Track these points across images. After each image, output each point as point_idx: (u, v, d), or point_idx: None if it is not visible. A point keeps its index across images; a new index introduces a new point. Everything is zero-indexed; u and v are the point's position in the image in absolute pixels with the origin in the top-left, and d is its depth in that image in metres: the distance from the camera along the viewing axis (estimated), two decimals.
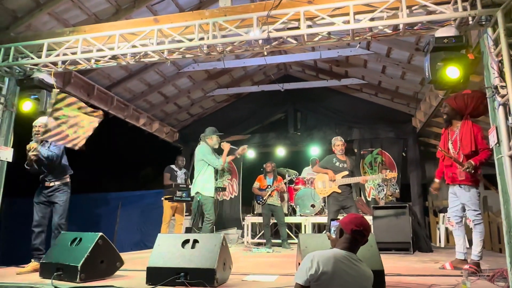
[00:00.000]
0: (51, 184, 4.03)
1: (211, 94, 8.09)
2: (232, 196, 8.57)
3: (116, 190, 9.46)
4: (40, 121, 4.10)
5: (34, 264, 3.79)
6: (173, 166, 6.61)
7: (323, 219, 6.54)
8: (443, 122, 3.93)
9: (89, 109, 4.19)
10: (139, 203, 8.72)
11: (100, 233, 3.29)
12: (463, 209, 3.66)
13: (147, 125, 7.89)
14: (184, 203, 6.49)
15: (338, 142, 5.28)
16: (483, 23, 3.37)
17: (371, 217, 5.66)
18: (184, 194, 6.18)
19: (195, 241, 3.04)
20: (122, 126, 7.59)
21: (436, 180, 3.87)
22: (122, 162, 12.51)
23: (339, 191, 5.11)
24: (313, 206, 6.73)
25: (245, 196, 8.71)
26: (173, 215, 6.36)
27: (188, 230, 6.98)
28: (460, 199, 3.64)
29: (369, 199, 7.67)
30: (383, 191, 6.86)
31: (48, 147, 4.09)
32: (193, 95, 8.02)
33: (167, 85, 7.23)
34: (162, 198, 6.32)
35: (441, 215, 6.87)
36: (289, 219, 6.78)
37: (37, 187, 4.08)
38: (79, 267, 3.06)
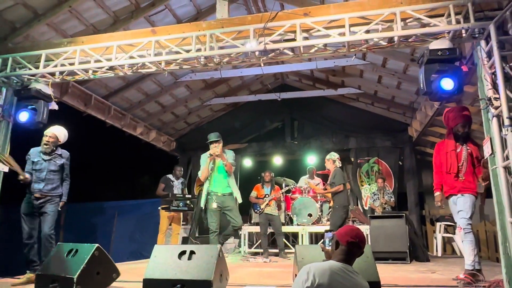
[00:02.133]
0: (44, 195, 3.98)
1: (208, 103, 8.13)
2: None
3: (112, 199, 9.44)
4: (51, 131, 4.10)
5: (29, 275, 3.76)
6: (169, 176, 6.61)
7: (320, 229, 6.54)
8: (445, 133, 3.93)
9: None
10: (135, 212, 8.71)
11: (97, 245, 3.28)
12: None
13: (144, 134, 7.90)
14: (181, 213, 6.48)
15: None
16: (476, 35, 3.44)
17: (368, 227, 5.67)
18: (181, 204, 6.17)
19: (192, 253, 3.04)
20: (119, 135, 7.60)
21: (438, 193, 3.88)
22: (119, 171, 12.49)
23: None
24: (310, 215, 6.74)
25: (242, 205, 8.69)
26: (170, 225, 6.34)
27: (184, 240, 6.97)
28: (458, 207, 3.65)
29: (366, 208, 7.68)
30: (378, 199, 6.88)
31: (60, 155, 4.08)
32: (190, 104, 8.05)
33: (164, 95, 7.26)
34: (159, 208, 6.31)
35: (437, 224, 6.89)
36: (286, 229, 6.78)
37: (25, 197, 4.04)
38: (75, 279, 3.04)
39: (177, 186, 6.55)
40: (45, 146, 4.03)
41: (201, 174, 4.60)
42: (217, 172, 4.56)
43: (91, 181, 11.86)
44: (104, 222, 8.78)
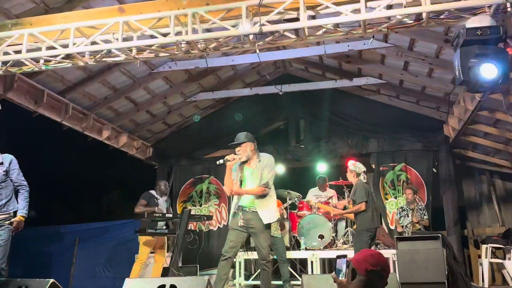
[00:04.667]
0: None
1: (193, 99, 8.16)
2: (221, 226, 8.57)
3: (72, 221, 9.45)
4: None
5: None
6: (153, 192, 6.63)
7: (334, 254, 6.53)
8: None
9: None
10: (102, 237, 8.70)
11: (51, 280, 3.30)
12: None
13: (113, 138, 7.91)
14: (165, 238, 6.48)
15: None
16: None
17: (394, 251, 5.70)
18: (164, 225, 6.19)
19: (173, 287, 3.06)
20: (80, 141, 7.61)
21: None
22: (80, 186, 12.48)
23: None
24: (321, 237, 6.77)
25: None
26: (152, 252, 6.36)
27: (165, 272, 6.96)
28: None
29: (392, 227, 7.72)
30: (407, 216, 6.91)
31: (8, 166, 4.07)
32: (170, 100, 8.08)
33: (137, 89, 7.28)
34: (136, 231, 6.32)
35: (483, 246, 6.91)
36: (291, 254, 6.81)
37: None
38: None
39: (161, 204, 6.56)
40: None
41: (224, 187, 4.60)
42: (246, 182, 4.53)
43: (44, 199, 11.83)
44: (61, 251, 8.76)
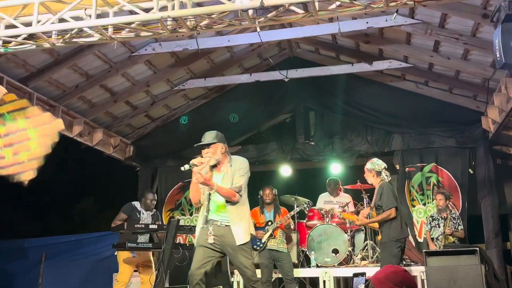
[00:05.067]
0: None
1: (181, 88, 8.15)
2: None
3: (37, 234, 9.45)
4: None
5: None
6: (135, 204, 6.61)
7: (351, 272, 6.49)
8: None
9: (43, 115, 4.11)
10: (74, 253, 8.71)
11: None
12: None
13: (85, 135, 7.91)
14: (151, 253, 6.49)
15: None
16: None
17: (423, 268, 5.70)
18: (142, 238, 6.20)
19: None
20: None
21: None
22: (47, 192, 12.46)
23: None
24: (335, 251, 6.75)
25: None
26: (136, 271, 6.38)
27: None
28: None
29: (421, 240, 7.72)
30: (438, 227, 6.90)
31: None
32: (154, 89, 8.06)
33: (114, 76, 7.27)
34: (114, 245, 6.31)
35: None
36: (300, 272, 6.78)
37: None
38: None
39: (146, 219, 6.52)
40: None
41: (191, 196, 4.58)
42: (216, 193, 4.46)
43: (3, 208, 11.89)
44: (24, 270, 8.76)
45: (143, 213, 6.55)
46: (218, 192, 4.32)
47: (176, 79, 8.05)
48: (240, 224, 4.37)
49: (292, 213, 6.86)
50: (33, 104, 6.71)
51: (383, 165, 5.63)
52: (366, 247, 7.02)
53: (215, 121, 8.59)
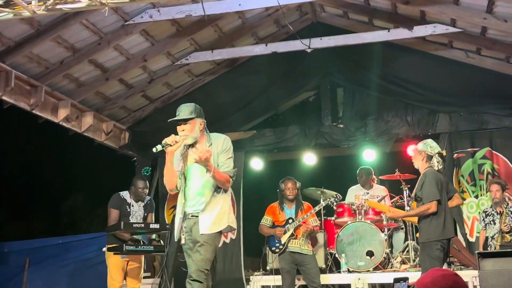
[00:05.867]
0: None
1: (184, 62, 8.14)
2: (227, 240, 8.60)
3: (20, 237, 9.57)
4: None
5: None
6: (124, 195, 6.64)
7: (389, 277, 6.50)
8: None
9: None
10: (62, 258, 8.79)
11: None
12: None
13: (73, 119, 7.93)
14: (143, 257, 6.55)
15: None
16: None
17: (476, 272, 5.68)
18: (142, 240, 6.24)
19: None
20: (28, 124, 7.65)
21: None
22: (30, 188, 12.60)
23: None
24: (370, 254, 6.78)
25: (250, 240, 8.71)
26: (125, 278, 6.44)
27: None
28: None
29: (472, 240, 7.67)
30: (494, 224, 6.85)
31: None
32: (153, 64, 8.05)
33: (105, 49, 7.25)
34: (104, 249, 6.35)
35: None
36: (327, 279, 6.81)
37: None
38: None
39: (137, 211, 6.57)
40: None
41: (165, 182, 4.57)
42: (192, 175, 4.49)
43: None
44: (5, 277, 8.86)
45: (133, 205, 6.55)
46: (215, 175, 4.29)
47: (178, 52, 8.04)
48: (211, 213, 4.34)
49: (317, 208, 6.88)
50: (11, 84, 6.80)
51: (438, 149, 5.52)
52: (407, 249, 7.04)
53: (224, 101, 8.64)
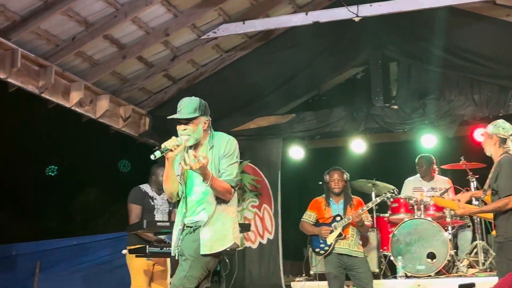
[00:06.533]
0: None
1: (211, 36, 8.13)
2: (264, 241, 8.63)
3: (29, 238, 9.70)
4: None
5: None
6: (144, 188, 6.69)
7: (455, 283, 6.38)
8: None
9: None
10: (76, 261, 8.90)
11: None
12: None
13: (87, 104, 7.99)
14: (168, 260, 6.59)
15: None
16: None
17: None
18: (167, 240, 6.26)
19: None
20: (36, 109, 7.71)
21: None
22: (39, 183, 12.73)
23: None
24: (432, 256, 6.75)
25: (289, 240, 8.72)
26: (150, 284, 6.50)
27: None
28: None
29: None
30: None
31: None
32: (175, 39, 8.04)
33: (121, 22, 7.26)
34: (125, 251, 6.41)
35: None
36: (381, 285, 6.82)
37: None
38: None
39: (161, 205, 6.61)
40: None
41: (164, 188, 4.56)
42: (193, 181, 4.46)
43: None
44: (14, 282, 9.00)
45: (155, 198, 6.58)
46: (213, 185, 4.23)
47: (204, 24, 8.00)
48: (212, 228, 4.29)
49: (370, 205, 6.80)
50: (17, 64, 6.87)
51: (510, 129, 5.33)
52: (475, 250, 6.96)
53: (258, 80, 8.59)
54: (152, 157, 4.25)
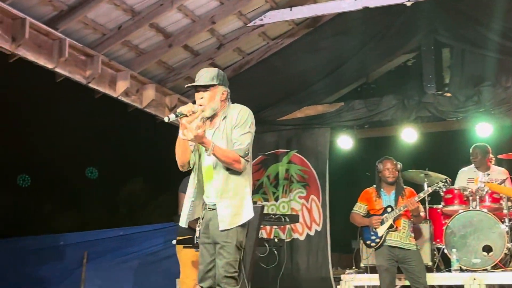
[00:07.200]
0: None
1: (258, 23, 8.09)
2: (312, 233, 8.61)
3: (75, 228, 9.83)
4: None
5: None
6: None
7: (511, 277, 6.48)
8: None
9: None
10: (123, 252, 9.05)
11: None
12: None
13: (133, 93, 8.04)
14: None
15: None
16: None
17: None
18: None
19: None
20: (82, 100, 7.79)
21: None
22: (83, 174, 12.91)
23: None
24: (488, 249, 6.69)
25: (338, 232, 8.70)
26: None
27: None
28: None
29: None
30: None
31: None
32: (221, 26, 8.04)
33: (168, 10, 7.27)
34: (174, 242, 6.43)
35: None
36: (435, 278, 6.78)
37: None
38: None
39: None
40: None
41: (176, 155, 4.55)
42: (206, 159, 4.45)
43: (31, 195, 12.49)
44: (61, 274, 9.16)
45: None
46: (215, 154, 4.23)
47: (251, 12, 7.98)
48: (230, 202, 4.30)
49: (422, 195, 6.76)
50: (65, 54, 6.93)
51: None
52: None
53: (305, 68, 8.59)
54: (166, 119, 4.27)
